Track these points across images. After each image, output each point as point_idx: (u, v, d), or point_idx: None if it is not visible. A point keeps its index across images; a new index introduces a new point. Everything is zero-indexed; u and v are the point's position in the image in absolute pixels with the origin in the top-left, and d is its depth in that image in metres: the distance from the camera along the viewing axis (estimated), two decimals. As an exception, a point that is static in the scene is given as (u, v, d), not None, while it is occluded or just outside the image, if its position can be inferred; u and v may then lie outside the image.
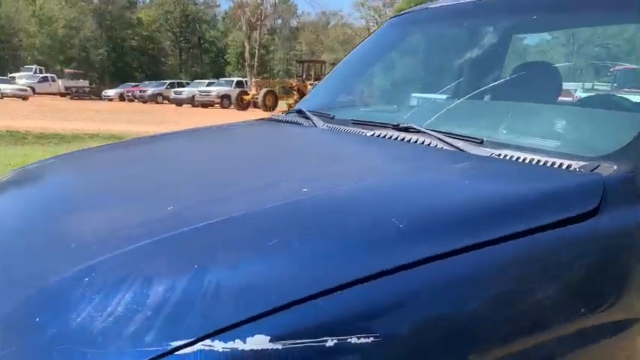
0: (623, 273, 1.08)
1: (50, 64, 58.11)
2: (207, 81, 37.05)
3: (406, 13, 2.47)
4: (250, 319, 0.72)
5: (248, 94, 29.58)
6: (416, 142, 1.49)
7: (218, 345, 0.70)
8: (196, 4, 74.05)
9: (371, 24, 58.20)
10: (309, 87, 27.87)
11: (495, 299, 0.91)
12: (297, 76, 32.15)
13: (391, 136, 1.57)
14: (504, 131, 1.47)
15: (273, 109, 26.59)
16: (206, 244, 0.89)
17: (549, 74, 1.88)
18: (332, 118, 1.91)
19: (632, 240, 1.10)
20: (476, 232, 0.94)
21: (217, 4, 78.28)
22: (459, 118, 1.62)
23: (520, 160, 1.29)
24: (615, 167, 1.19)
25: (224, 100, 31.31)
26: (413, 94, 2.36)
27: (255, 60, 42.50)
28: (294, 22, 78.97)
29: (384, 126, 1.65)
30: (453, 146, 1.39)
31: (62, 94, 39.86)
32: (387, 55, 2.51)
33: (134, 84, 43.05)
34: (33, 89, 35.43)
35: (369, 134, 1.64)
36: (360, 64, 2.48)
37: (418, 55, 2.64)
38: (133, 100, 37.75)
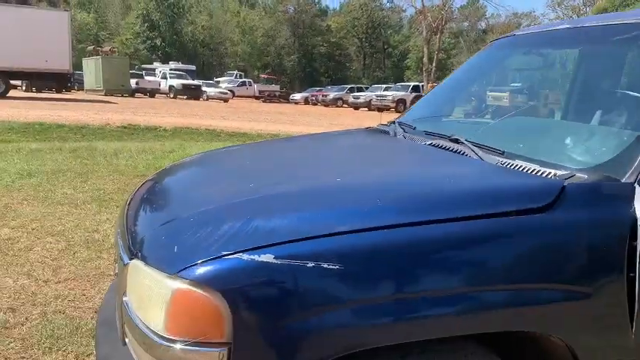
0: (566, 252, 1.40)
1: (249, 69, 64.60)
2: (384, 86, 38.16)
3: (508, 36, 2.79)
4: (264, 246, 1.27)
5: (422, 99, 29.93)
6: (454, 150, 1.90)
7: (245, 256, 1.26)
8: (383, 9, 75.85)
9: (566, 25, 54.05)
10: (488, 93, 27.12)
11: (468, 256, 1.34)
12: (475, 80, 31.51)
13: (441, 145, 1.99)
14: (521, 145, 1.80)
15: (448, 114, 26.50)
16: (260, 207, 1.47)
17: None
18: (413, 129, 2.36)
19: (579, 230, 1.41)
20: (452, 210, 1.37)
21: (404, 9, 79.23)
22: (497, 134, 1.98)
23: (515, 167, 1.64)
24: (586, 177, 1.50)
25: (399, 105, 31.98)
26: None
27: (433, 64, 42.46)
28: (482, 25, 76.73)
29: (442, 137, 2.07)
30: (477, 154, 1.79)
31: (256, 97, 44.16)
32: (485, 72, 2.85)
33: (318, 88, 45.92)
34: (233, 92, 39.95)
35: (427, 143, 2.08)
36: (461, 79, 2.88)
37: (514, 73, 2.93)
38: (317, 104, 40.33)
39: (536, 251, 1.38)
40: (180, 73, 37.73)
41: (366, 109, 34.08)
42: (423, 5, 42.87)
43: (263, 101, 41.75)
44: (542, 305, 1.38)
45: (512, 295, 1.36)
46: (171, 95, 33.92)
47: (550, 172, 1.56)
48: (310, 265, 1.25)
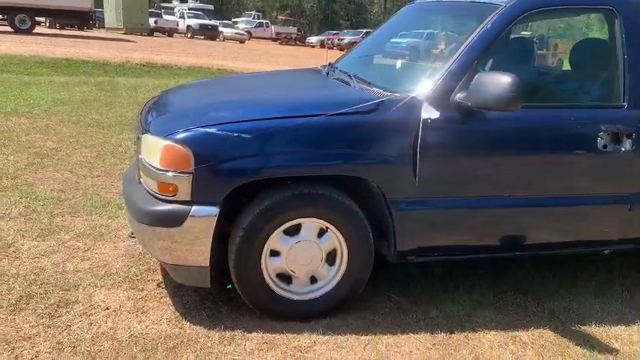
0: (380, 134, 2.55)
1: (267, 10, 64.36)
2: (401, 32, 38.26)
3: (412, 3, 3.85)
4: (211, 124, 2.45)
5: (435, 46, 30.41)
6: (345, 81, 3.04)
7: (201, 129, 2.44)
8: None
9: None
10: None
11: (310, 136, 2.51)
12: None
13: (340, 79, 3.13)
14: (379, 78, 2.94)
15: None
16: (213, 107, 2.65)
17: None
18: (334, 70, 3.47)
19: (389, 123, 2.56)
20: (316, 110, 2.53)
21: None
22: (374, 72, 3.13)
23: (368, 90, 2.78)
24: (399, 95, 2.64)
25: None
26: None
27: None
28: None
29: (345, 74, 3.19)
30: (354, 84, 2.93)
31: (273, 39, 44.59)
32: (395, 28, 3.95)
33: (334, 32, 46.05)
34: (250, 34, 40.46)
35: (334, 77, 3.22)
36: (382, 32, 3.98)
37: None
38: (332, 48, 40.71)
39: (363, 132, 2.55)
40: (198, 12, 38.24)
41: (380, 54, 34.51)
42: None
43: (280, 43, 42.20)
44: (365, 162, 2.55)
45: (346, 154, 2.53)
46: (189, 35, 34.62)
47: (382, 92, 2.70)
48: (235, 134, 2.43)
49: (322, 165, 2.54)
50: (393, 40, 3.98)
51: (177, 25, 35.38)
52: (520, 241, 2.91)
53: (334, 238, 2.68)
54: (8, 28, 22.36)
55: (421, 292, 3.10)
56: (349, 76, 3.08)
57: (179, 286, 2.91)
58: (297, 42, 43.81)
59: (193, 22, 35.10)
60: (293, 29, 48.28)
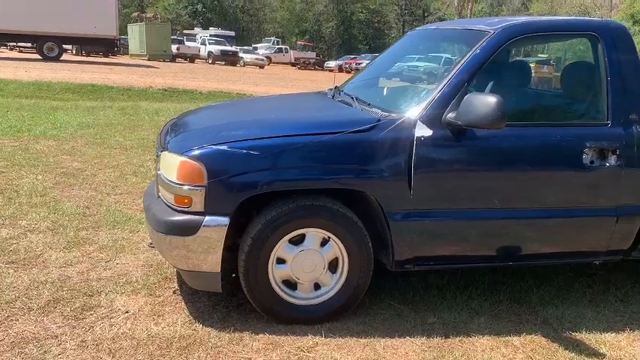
0: (377, 152, 2.77)
1: (287, 35, 65.60)
2: (417, 56, 38.71)
3: (420, 29, 4.10)
4: (223, 142, 2.70)
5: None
6: (348, 103, 3.28)
7: (214, 146, 2.70)
8: (425, -26, 75.06)
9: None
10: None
11: (313, 152, 2.74)
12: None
13: (344, 100, 3.37)
14: (378, 100, 3.18)
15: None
16: (225, 127, 2.91)
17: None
18: (340, 93, 3.72)
19: (385, 141, 2.78)
20: (319, 129, 2.78)
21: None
22: (374, 95, 3.37)
23: (368, 111, 3.01)
24: (395, 115, 2.87)
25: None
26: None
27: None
28: (526, -8, 75.72)
29: (348, 96, 3.44)
30: (356, 105, 3.17)
31: (292, 64, 45.38)
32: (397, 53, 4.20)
33: (352, 56, 46.71)
34: (269, 59, 41.28)
35: (339, 99, 3.46)
36: (384, 58, 4.23)
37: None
38: (350, 72, 41.28)
39: (362, 149, 2.77)
40: (219, 39, 39.22)
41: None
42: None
43: (298, 68, 42.92)
44: (363, 177, 2.77)
45: (346, 169, 2.76)
46: (210, 61, 35.52)
47: (380, 113, 2.93)
48: (244, 151, 2.68)
49: (323, 179, 2.77)
50: (409, 63, 4.25)
51: (199, 52, 36.34)
52: (512, 251, 3.09)
53: (336, 248, 2.89)
54: (37, 56, 23.27)
55: (420, 301, 3.28)
56: (352, 98, 3.33)
57: (193, 292, 3.14)
58: (316, 66, 44.51)
59: (214, 48, 36.02)
60: (312, 54, 49.11)
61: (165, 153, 2.88)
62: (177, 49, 34.37)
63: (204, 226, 2.68)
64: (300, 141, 2.76)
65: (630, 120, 3.01)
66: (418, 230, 2.91)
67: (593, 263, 3.34)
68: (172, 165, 2.76)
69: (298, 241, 2.86)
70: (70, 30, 22.71)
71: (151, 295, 3.16)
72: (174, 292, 3.21)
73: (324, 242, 2.89)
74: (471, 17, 44.05)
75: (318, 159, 2.76)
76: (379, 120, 2.84)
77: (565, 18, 3.72)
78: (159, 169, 2.94)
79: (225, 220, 2.69)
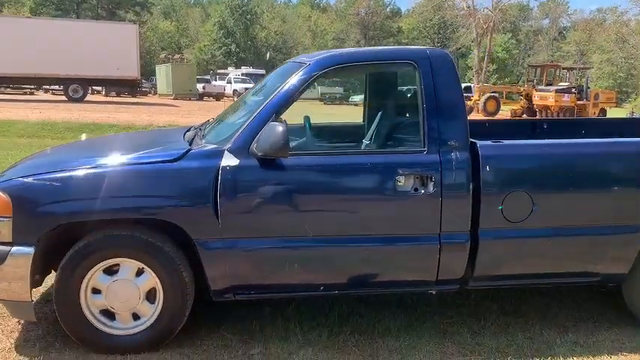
0: (185, 183, 2.83)
1: (318, 72, 66.61)
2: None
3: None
4: (27, 175, 2.83)
5: (470, 100, 30.20)
6: (193, 135, 3.37)
7: (20, 179, 2.82)
8: (456, 9, 75.40)
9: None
10: (535, 93, 27.24)
11: (116, 183, 2.82)
12: (528, 80, 31.38)
13: (192, 135, 3.45)
14: (213, 132, 3.25)
15: (494, 115, 26.83)
16: (34, 164, 3.03)
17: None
18: (199, 128, 3.80)
19: (192, 170, 2.84)
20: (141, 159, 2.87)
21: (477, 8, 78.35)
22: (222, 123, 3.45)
23: (197, 143, 3.08)
24: (209, 146, 2.93)
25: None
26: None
27: (484, 64, 42.44)
28: (564, 22, 75.08)
29: (198, 130, 3.52)
30: (197, 138, 3.25)
31: (320, 99, 45.94)
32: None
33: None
34: (296, 95, 41.90)
35: (188, 134, 3.54)
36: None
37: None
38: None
39: (166, 178, 2.84)
40: (245, 77, 40.23)
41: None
42: (473, 6, 42.96)
43: (324, 103, 43.36)
44: (167, 206, 2.83)
45: (150, 200, 2.83)
46: (235, 98, 36.38)
47: (201, 144, 3.00)
48: (48, 183, 2.78)
49: (124, 210, 2.85)
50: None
51: (224, 90, 37.33)
52: (335, 279, 3.06)
53: (152, 278, 2.93)
54: (63, 97, 24.46)
55: (258, 331, 3.25)
56: (201, 130, 3.41)
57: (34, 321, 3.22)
58: (343, 101, 44.86)
59: (239, 86, 36.94)
60: (339, 89, 49.59)
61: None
62: (204, 87, 35.48)
63: (10, 255, 2.78)
64: (104, 172, 2.85)
65: (449, 146, 2.97)
66: (229, 259, 2.92)
67: (437, 292, 3.25)
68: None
69: (114, 271, 2.92)
70: (94, 72, 23.79)
71: (-6, 324, 3.26)
72: (18, 322, 3.30)
73: (140, 272, 2.94)
74: (490, 48, 43.97)
75: (121, 190, 2.84)
76: (188, 150, 2.91)
77: (386, 48, 3.75)
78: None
79: (31, 250, 2.78)
